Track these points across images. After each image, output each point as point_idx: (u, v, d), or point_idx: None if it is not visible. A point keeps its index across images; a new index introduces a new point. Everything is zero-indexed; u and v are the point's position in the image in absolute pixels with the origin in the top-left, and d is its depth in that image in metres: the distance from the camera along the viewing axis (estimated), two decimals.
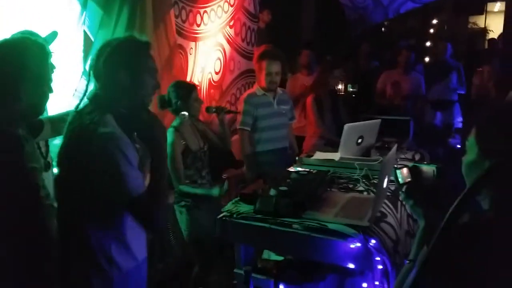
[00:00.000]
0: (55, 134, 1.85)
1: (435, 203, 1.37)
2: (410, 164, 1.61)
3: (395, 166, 1.74)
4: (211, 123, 3.27)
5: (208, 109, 2.92)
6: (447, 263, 0.91)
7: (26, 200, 1.50)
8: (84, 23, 2.95)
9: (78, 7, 2.86)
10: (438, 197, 1.41)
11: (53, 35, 1.93)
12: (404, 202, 1.72)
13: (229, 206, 1.95)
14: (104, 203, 1.39)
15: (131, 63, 1.41)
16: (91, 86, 1.47)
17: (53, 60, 1.63)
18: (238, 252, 1.91)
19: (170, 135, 2.49)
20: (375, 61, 5.78)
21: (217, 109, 2.83)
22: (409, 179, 1.61)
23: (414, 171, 1.55)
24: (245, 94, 3.25)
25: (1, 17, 2.29)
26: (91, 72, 1.44)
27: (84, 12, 2.92)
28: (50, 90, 1.57)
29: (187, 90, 2.62)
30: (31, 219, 1.52)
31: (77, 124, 1.39)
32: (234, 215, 1.85)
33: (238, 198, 2.01)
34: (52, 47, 1.68)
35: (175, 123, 2.61)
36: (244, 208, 1.91)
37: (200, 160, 2.66)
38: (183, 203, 2.62)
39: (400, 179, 1.59)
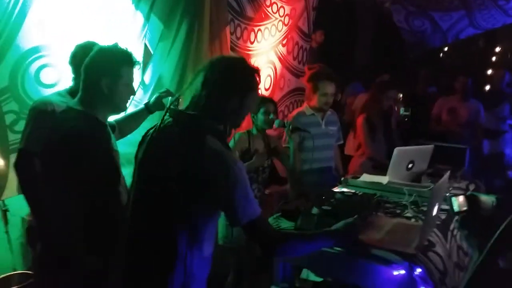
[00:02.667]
0: (120, 136, 2.08)
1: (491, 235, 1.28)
2: (468, 192, 1.51)
3: (451, 193, 1.65)
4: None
5: (276, 123, 2.87)
6: None
7: (113, 176, 1.77)
8: (145, 36, 3.10)
9: (141, 20, 3.02)
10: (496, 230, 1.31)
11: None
12: (457, 232, 1.63)
13: (270, 221, 1.93)
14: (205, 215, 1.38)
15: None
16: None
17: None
18: (276, 268, 1.88)
19: (237, 134, 2.70)
20: (432, 86, 5.60)
21: (285, 124, 2.82)
22: (465, 208, 1.51)
23: (472, 200, 1.45)
24: (294, 112, 3.23)
25: (69, 29, 2.47)
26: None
27: (147, 25, 3.07)
28: (133, 93, 1.83)
29: (258, 103, 2.72)
30: (114, 192, 1.76)
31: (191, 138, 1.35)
32: None
33: (279, 213, 1.99)
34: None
35: (252, 129, 2.80)
36: (285, 224, 1.88)
37: (255, 172, 2.71)
38: None
39: (455, 207, 1.50)
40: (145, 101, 2.44)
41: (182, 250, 1.33)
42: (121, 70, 1.73)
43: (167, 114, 1.41)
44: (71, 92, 2.05)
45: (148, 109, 2.20)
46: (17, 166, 1.94)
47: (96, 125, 1.74)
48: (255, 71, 1.45)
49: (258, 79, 1.45)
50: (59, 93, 2.07)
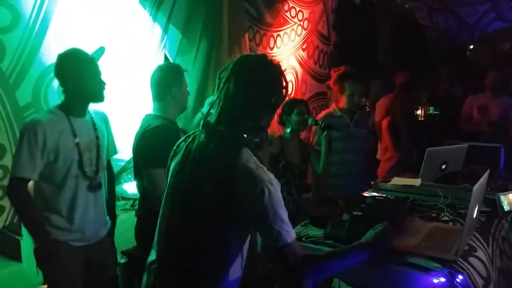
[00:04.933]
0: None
1: None
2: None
3: (492, 193, 1.53)
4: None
5: (310, 121, 2.80)
6: None
7: None
8: (164, 46, 3.10)
9: (160, 31, 3.02)
10: None
11: (101, 50, 2.09)
12: (498, 235, 1.51)
13: (297, 228, 1.86)
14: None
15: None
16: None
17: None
18: (306, 280, 1.80)
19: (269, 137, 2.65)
20: (458, 85, 5.42)
21: (317, 122, 2.76)
22: None
23: None
24: (322, 114, 3.16)
25: (88, 42, 2.48)
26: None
27: (165, 37, 3.08)
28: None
29: (290, 104, 2.72)
30: None
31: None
32: (303, 238, 1.75)
33: (307, 220, 1.92)
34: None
35: (284, 134, 2.79)
36: (314, 231, 1.81)
37: (292, 174, 2.70)
38: None
39: (505, 206, 1.39)
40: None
41: (215, 270, 1.29)
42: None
43: (201, 129, 1.35)
44: (62, 106, 1.99)
45: None
46: (9, 192, 1.91)
47: None
48: (281, 69, 1.36)
49: (285, 78, 1.36)
50: (49, 111, 2.01)
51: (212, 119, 1.34)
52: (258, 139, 1.33)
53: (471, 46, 7.05)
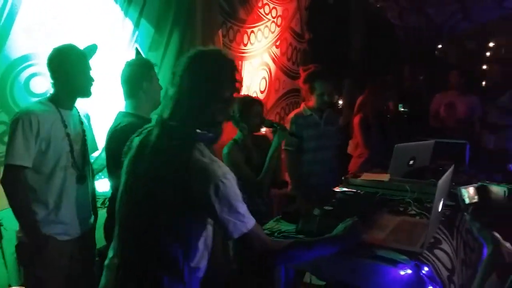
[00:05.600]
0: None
1: (506, 227, 1.22)
2: (478, 183, 1.46)
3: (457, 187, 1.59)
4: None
5: (266, 123, 2.78)
6: None
7: None
8: (136, 41, 3.05)
9: (131, 26, 2.97)
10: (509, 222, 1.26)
11: (93, 47, 2.13)
12: (462, 227, 1.57)
13: (270, 224, 1.89)
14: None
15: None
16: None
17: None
18: (278, 273, 1.82)
19: (227, 146, 2.60)
20: (425, 83, 5.58)
21: (270, 124, 2.72)
22: (475, 200, 1.45)
23: (482, 191, 1.40)
24: (291, 114, 3.18)
25: (58, 36, 2.42)
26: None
27: (136, 32, 3.03)
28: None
29: (247, 104, 2.65)
30: None
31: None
32: (275, 234, 1.77)
33: (280, 216, 1.94)
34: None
35: (236, 136, 2.69)
36: (286, 227, 1.83)
37: (257, 174, 2.63)
38: None
39: (466, 199, 1.44)
40: None
41: (175, 263, 1.30)
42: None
43: (154, 124, 1.36)
44: (52, 98, 2.03)
45: None
46: (4, 181, 1.89)
47: None
48: (235, 64, 1.38)
49: (239, 73, 1.41)
50: (40, 102, 2.04)
51: (166, 114, 1.34)
52: (212, 134, 1.33)
53: (439, 45, 7.25)
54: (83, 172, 2.08)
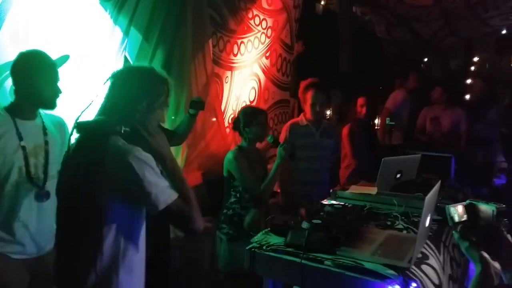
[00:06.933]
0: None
1: (494, 247, 1.23)
2: (467, 201, 1.46)
3: (444, 203, 1.59)
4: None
5: (269, 138, 2.76)
6: None
7: None
8: (125, 49, 3.03)
9: (120, 34, 2.95)
10: (498, 241, 1.26)
11: (64, 58, 2.04)
12: (449, 243, 1.57)
13: (258, 237, 1.87)
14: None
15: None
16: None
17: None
18: (266, 286, 1.81)
19: (232, 152, 2.63)
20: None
21: (275, 140, 2.69)
22: (464, 219, 1.45)
23: (471, 210, 1.40)
24: (288, 123, 3.20)
25: (45, 43, 2.38)
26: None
27: (126, 40, 3.00)
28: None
29: (251, 115, 2.67)
30: None
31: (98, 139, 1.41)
32: (264, 247, 1.76)
33: (269, 229, 1.92)
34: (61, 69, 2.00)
35: (241, 143, 2.73)
36: (275, 239, 1.82)
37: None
38: (225, 230, 2.57)
39: (455, 217, 1.44)
40: None
41: (113, 247, 1.37)
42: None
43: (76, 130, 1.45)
44: (10, 107, 1.89)
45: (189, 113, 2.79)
46: None
47: None
48: (164, 79, 1.52)
49: (166, 86, 1.51)
50: None
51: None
52: (128, 128, 1.40)
53: (425, 59, 7.39)
54: (43, 189, 1.90)
